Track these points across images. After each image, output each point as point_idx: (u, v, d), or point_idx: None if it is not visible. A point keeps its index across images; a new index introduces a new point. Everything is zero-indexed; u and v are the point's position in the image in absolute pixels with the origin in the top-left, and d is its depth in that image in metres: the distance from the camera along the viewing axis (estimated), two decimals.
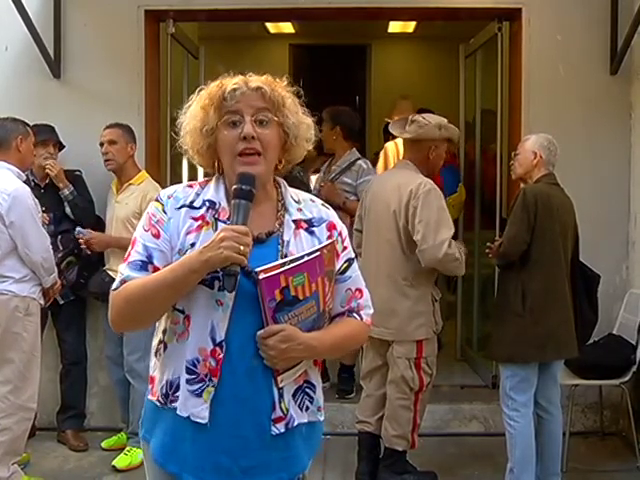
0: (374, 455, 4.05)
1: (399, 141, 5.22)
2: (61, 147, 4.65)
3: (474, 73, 5.71)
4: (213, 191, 1.95)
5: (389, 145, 5.67)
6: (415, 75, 8.59)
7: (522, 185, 3.92)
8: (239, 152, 1.88)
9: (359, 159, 5.19)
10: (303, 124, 1.97)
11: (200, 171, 4.57)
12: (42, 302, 3.92)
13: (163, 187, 4.52)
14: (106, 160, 4.45)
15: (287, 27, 8.18)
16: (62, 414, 4.71)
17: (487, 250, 3.99)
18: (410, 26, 8.00)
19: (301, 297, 1.84)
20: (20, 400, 3.75)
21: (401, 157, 5.45)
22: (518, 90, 4.81)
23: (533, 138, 3.85)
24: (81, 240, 4.42)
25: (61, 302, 4.51)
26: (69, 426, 4.68)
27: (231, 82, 1.91)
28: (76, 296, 4.63)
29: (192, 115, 1.95)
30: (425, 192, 3.79)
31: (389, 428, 3.94)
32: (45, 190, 4.55)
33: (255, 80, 1.92)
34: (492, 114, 5.22)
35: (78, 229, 4.45)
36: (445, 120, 4.02)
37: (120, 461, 4.33)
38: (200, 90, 1.97)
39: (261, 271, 1.80)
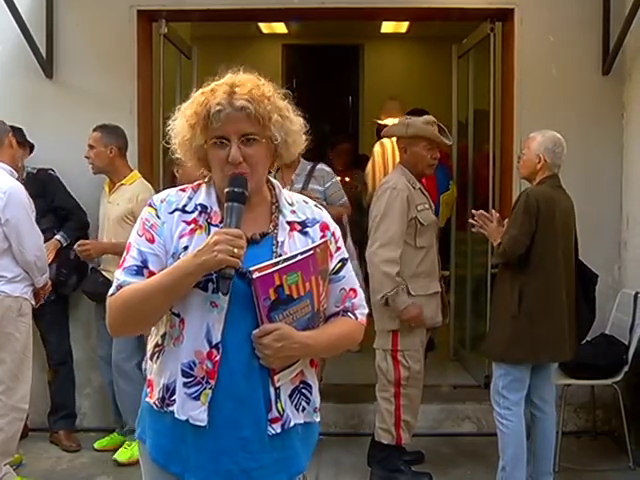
0: None
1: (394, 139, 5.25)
2: (32, 149, 4.64)
3: (467, 73, 5.71)
4: (205, 195, 1.96)
5: (386, 140, 5.68)
6: (408, 75, 8.59)
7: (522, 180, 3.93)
8: (227, 174, 1.88)
9: (317, 164, 4.84)
10: (292, 131, 1.94)
11: None
12: (33, 302, 3.91)
13: (155, 187, 4.57)
14: (89, 164, 4.49)
15: (280, 27, 8.17)
16: (53, 415, 4.70)
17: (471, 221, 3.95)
18: (403, 26, 8.01)
19: (295, 296, 1.84)
20: (12, 401, 3.74)
21: (396, 152, 5.45)
22: (510, 90, 4.82)
23: (539, 139, 3.74)
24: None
25: (41, 302, 4.46)
26: (61, 427, 4.66)
27: (215, 101, 1.86)
28: (57, 295, 4.53)
29: (179, 130, 1.93)
30: (382, 190, 3.97)
31: (376, 420, 4.05)
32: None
33: (240, 96, 1.85)
34: (485, 114, 5.22)
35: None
36: (427, 119, 4.06)
37: (121, 454, 4.34)
38: (189, 95, 1.93)
39: (255, 270, 1.81)
